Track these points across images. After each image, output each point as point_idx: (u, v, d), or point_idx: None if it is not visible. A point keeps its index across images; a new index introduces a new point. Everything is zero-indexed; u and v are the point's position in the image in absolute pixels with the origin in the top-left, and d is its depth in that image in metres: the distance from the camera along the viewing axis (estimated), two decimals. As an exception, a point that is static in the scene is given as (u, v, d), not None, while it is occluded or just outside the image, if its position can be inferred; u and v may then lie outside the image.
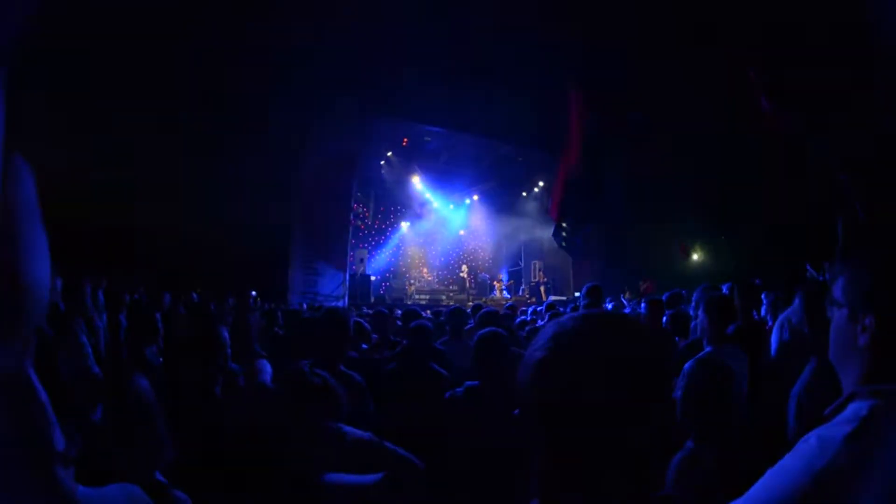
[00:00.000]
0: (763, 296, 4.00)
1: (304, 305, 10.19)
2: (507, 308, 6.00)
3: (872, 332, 0.98)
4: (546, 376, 0.75)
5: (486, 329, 2.91)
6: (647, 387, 0.73)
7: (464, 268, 19.89)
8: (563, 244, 13.76)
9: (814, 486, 0.86)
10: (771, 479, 0.94)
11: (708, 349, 2.80)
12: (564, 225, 12.48)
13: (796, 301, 2.70)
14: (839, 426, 0.92)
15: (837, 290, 1.07)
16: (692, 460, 1.94)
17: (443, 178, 19.18)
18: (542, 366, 0.75)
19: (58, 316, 3.39)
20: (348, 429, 1.65)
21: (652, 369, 0.74)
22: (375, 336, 4.77)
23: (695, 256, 11.78)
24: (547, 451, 0.76)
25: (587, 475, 0.73)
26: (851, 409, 0.95)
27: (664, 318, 4.15)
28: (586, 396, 0.71)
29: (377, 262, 20.10)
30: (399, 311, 6.46)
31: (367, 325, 4.79)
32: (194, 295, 8.42)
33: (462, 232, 20.61)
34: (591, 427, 0.71)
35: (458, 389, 2.79)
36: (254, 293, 10.93)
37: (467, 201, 19.48)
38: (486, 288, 19.34)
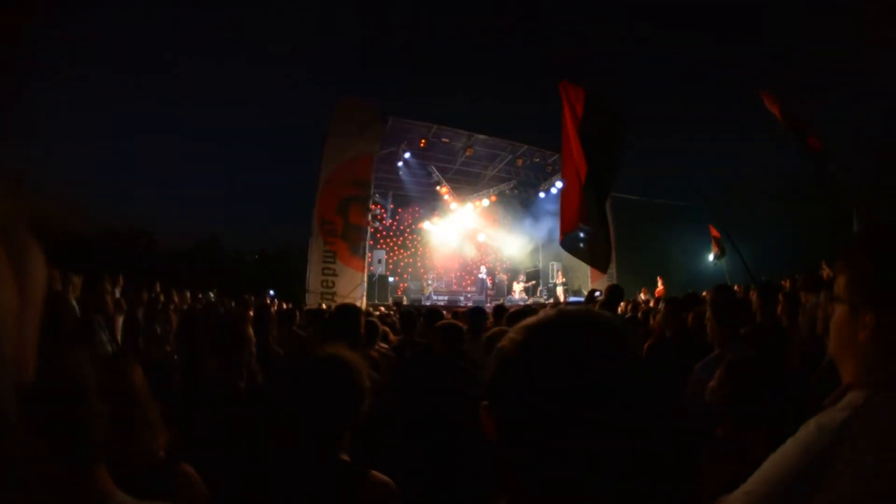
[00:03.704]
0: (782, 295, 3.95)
1: (324, 306, 10.31)
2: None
3: (872, 329, 1.00)
4: (501, 365, 0.75)
5: (496, 329, 2.98)
6: (607, 381, 0.69)
7: (482, 268, 19.86)
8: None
9: (811, 468, 0.92)
10: (773, 462, 0.99)
11: (716, 351, 2.75)
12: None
13: None
14: (836, 413, 0.97)
15: (839, 287, 1.09)
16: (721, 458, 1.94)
17: (460, 178, 19.19)
18: (499, 354, 0.76)
19: (75, 313, 3.47)
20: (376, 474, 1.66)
21: (614, 363, 0.71)
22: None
23: (710, 257, 11.61)
24: (510, 446, 0.74)
25: (549, 472, 0.70)
26: (848, 398, 1.00)
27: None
28: (538, 388, 0.70)
29: (395, 263, 20.18)
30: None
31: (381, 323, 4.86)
32: (210, 294, 8.56)
33: (479, 232, 20.57)
34: (546, 419, 0.69)
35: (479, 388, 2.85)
36: (272, 293, 11.09)
37: (485, 201, 19.43)
38: (504, 289, 19.28)
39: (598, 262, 5.88)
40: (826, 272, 5.60)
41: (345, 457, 1.65)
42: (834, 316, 1.09)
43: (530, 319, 0.77)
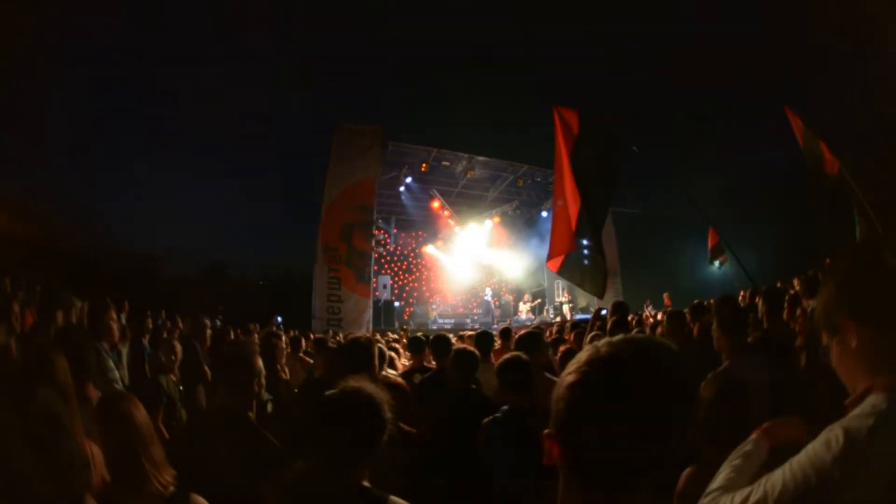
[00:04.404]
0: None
1: (332, 333, 10.29)
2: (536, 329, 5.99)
3: (856, 330, 1.07)
4: (578, 398, 0.80)
5: (510, 354, 3.04)
6: (676, 411, 0.77)
7: (486, 290, 19.83)
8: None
9: (845, 476, 0.92)
10: (801, 469, 0.98)
11: (726, 363, 2.74)
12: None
13: None
14: (862, 419, 0.98)
15: (826, 333, 1.16)
16: (702, 475, 1.91)
17: (462, 200, 19.29)
18: (575, 388, 0.81)
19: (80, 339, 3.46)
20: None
21: (681, 394, 0.79)
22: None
23: (716, 264, 11.57)
24: (574, 470, 0.81)
25: (612, 493, 0.79)
26: (869, 402, 1.01)
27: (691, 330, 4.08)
28: (616, 419, 0.76)
29: (400, 288, 20.17)
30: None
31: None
32: (216, 320, 8.55)
33: (483, 254, 20.58)
34: (621, 445, 0.76)
35: (496, 413, 2.86)
36: (279, 319, 11.08)
37: (487, 223, 19.49)
38: (510, 310, 19.20)
39: (594, 287, 5.89)
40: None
41: (366, 483, 1.69)
42: (833, 356, 1.15)
43: (600, 351, 0.82)
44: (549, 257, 6.14)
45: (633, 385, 0.77)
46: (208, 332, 5.37)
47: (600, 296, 6.01)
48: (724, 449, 1.89)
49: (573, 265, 5.99)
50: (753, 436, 1.32)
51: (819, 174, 6.38)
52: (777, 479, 1.00)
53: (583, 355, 0.84)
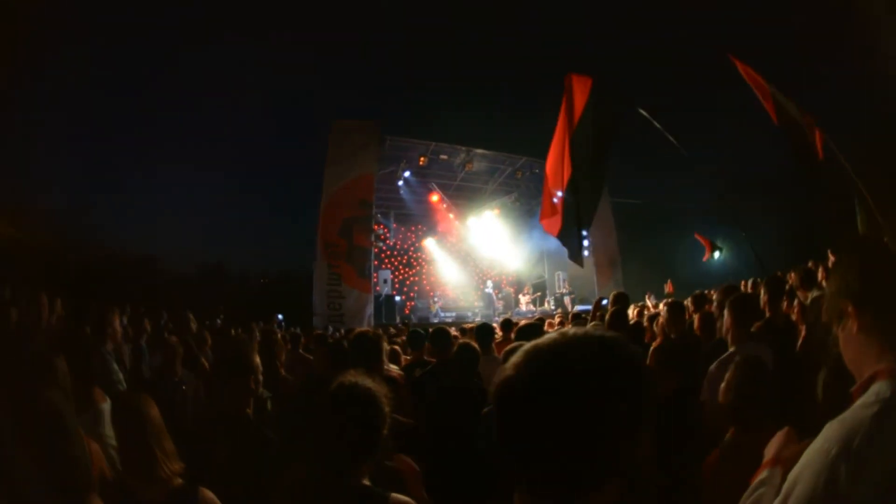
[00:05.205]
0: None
1: (331, 329, 10.27)
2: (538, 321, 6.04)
3: (856, 315, 1.07)
4: (501, 396, 0.79)
5: (518, 344, 3.02)
6: (606, 408, 0.72)
7: (487, 283, 19.81)
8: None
9: (850, 471, 0.89)
10: (804, 478, 0.96)
11: (731, 349, 2.77)
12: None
13: None
14: (866, 408, 0.96)
15: (837, 322, 1.15)
16: (731, 456, 1.94)
17: (461, 193, 19.25)
18: (508, 383, 0.79)
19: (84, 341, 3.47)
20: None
21: (614, 392, 0.74)
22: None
23: (717, 254, 11.56)
24: (508, 454, 0.79)
25: (549, 487, 0.76)
26: (873, 390, 0.99)
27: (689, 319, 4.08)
28: (544, 415, 0.73)
29: (400, 282, 20.18)
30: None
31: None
32: (218, 321, 8.54)
33: (483, 246, 20.54)
34: (546, 440, 0.73)
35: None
36: (280, 316, 11.10)
37: (487, 215, 19.42)
38: (511, 302, 19.21)
39: (576, 258, 6.05)
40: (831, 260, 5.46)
41: (366, 481, 1.68)
42: (840, 343, 1.14)
43: (532, 344, 0.81)
44: (541, 217, 6.25)
45: (556, 382, 0.73)
46: (193, 325, 5.33)
47: (581, 265, 6.20)
48: (752, 430, 1.92)
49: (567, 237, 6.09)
50: (765, 471, 1.27)
51: (807, 155, 5.88)
52: (793, 479, 0.98)
53: (524, 348, 0.82)
